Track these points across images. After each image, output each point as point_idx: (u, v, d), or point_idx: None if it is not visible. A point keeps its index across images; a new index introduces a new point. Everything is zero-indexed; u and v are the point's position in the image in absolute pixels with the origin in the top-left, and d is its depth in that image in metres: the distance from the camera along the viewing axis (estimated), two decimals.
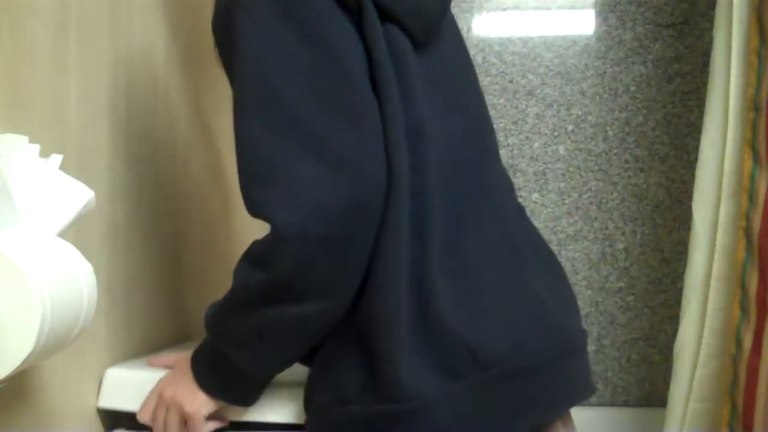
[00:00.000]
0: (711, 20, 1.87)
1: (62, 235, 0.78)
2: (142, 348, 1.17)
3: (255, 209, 0.86)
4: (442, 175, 0.91)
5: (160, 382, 0.99)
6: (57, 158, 0.80)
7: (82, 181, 0.81)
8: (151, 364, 1.06)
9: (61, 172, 0.80)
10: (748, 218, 1.62)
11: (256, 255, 0.87)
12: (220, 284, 1.51)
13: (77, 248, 0.79)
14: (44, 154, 0.79)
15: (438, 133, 0.93)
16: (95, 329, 1.01)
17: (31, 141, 0.77)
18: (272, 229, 0.84)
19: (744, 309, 1.62)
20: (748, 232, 1.61)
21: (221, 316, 0.93)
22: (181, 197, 1.33)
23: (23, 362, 0.70)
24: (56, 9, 0.92)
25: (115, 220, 1.09)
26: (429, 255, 0.88)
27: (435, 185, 0.90)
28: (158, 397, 0.98)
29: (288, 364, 0.95)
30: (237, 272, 0.90)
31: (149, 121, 1.20)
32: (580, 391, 0.98)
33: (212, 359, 0.94)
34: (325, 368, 0.91)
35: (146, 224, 1.19)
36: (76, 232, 0.85)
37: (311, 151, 0.83)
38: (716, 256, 1.66)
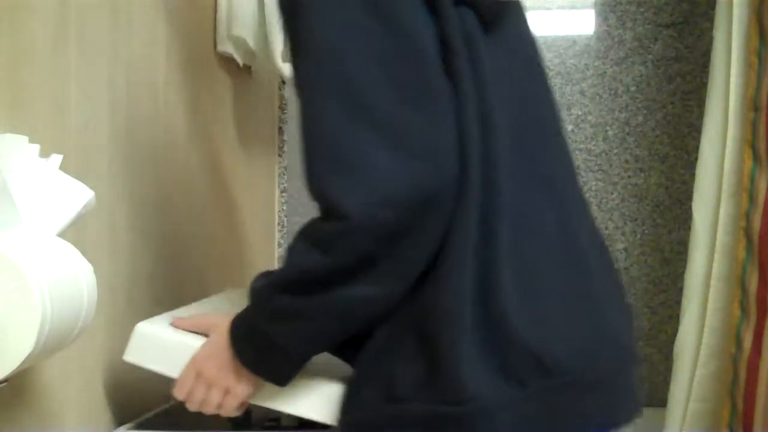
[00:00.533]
0: (711, 20, 1.87)
1: (62, 235, 0.78)
2: None
3: (320, 193, 0.82)
4: (509, 166, 0.88)
5: (197, 358, 0.95)
6: (57, 158, 0.80)
7: (82, 181, 0.81)
8: (176, 326, 1.00)
9: (61, 172, 0.80)
10: (748, 218, 1.62)
11: (317, 237, 0.83)
12: (220, 283, 1.51)
13: (77, 248, 0.79)
14: (44, 154, 0.79)
15: (504, 122, 0.89)
16: (95, 329, 1.01)
17: (31, 141, 0.77)
18: (340, 215, 0.80)
19: (744, 309, 1.62)
20: (748, 232, 1.61)
21: (269, 293, 0.88)
22: (181, 197, 1.33)
23: (23, 362, 0.70)
24: (56, 9, 0.92)
25: (115, 220, 1.09)
26: (495, 251, 0.85)
27: (503, 178, 0.87)
28: (197, 374, 0.94)
29: (328, 346, 0.92)
30: (294, 252, 0.85)
31: (149, 121, 1.20)
32: (634, 408, 0.94)
33: (254, 335, 0.90)
34: (376, 362, 0.88)
35: (146, 224, 1.19)
36: (76, 232, 0.85)
37: (386, 138, 0.80)
38: (716, 256, 1.66)
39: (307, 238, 0.84)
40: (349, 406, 0.90)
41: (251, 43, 1.52)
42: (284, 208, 1.92)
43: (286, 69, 1.52)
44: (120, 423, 1.08)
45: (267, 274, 0.91)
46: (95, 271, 0.81)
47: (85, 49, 0.99)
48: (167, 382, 1.27)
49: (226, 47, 1.50)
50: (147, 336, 0.99)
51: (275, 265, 1.90)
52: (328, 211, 0.81)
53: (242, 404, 0.95)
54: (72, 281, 0.75)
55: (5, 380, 0.73)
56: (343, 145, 0.81)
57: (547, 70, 1.02)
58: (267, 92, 1.86)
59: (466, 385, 0.81)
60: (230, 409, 0.94)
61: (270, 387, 0.94)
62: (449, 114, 0.82)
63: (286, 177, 1.94)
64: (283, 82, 1.87)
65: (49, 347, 0.73)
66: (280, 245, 1.91)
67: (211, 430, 1.30)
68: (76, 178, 0.81)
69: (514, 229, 0.87)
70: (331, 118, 0.81)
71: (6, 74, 0.82)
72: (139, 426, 1.08)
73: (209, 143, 1.47)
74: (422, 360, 0.84)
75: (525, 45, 0.99)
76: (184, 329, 0.99)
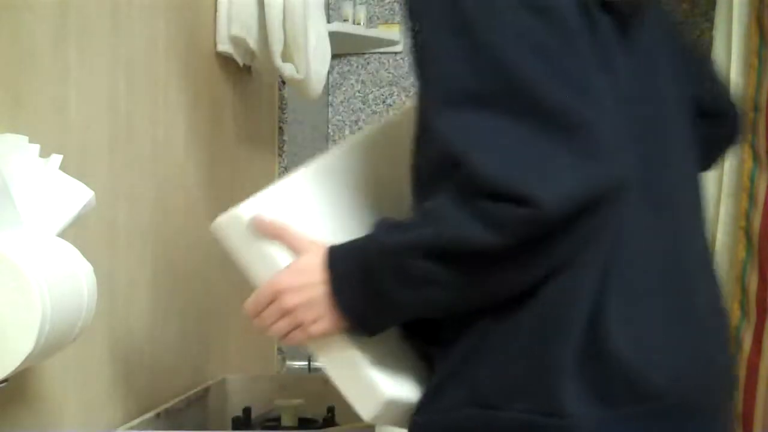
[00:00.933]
0: (711, 20, 1.87)
1: (62, 235, 0.78)
2: (143, 347, 1.17)
3: (503, 175, 0.76)
4: (637, 179, 0.83)
5: (280, 283, 0.88)
6: (57, 158, 0.80)
7: (82, 181, 0.81)
8: (259, 225, 0.91)
9: (61, 172, 0.80)
10: (747, 218, 1.62)
11: (490, 213, 0.77)
12: (221, 283, 1.51)
13: (77, 248, 0.79)
14: (44, 154, 0.79)
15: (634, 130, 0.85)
16: (95, 329, 1.01)
17: (31, 141, 0.77)
18: (526, 202, 0.75)
19: (744, 309, 1.63)
20: (748, 232, 1.61)
21: (406, 252, 0.81)
22: (180, 197, 1.33)
23: (23, 362, 0.70)
24: (56, 9, 0.92)
25: (115, 220, 1.09)
26: (614, 263, 0.82)
27: (632, 190, 0.82)
28: (275, 298, 0.88)
29: (426, 315, 0.86)
30: (448, 219, 0.79)
31: (149, 121, 1.20)
32: None
33: (368, 287, 0.84)
34: (463, 364, 0.84)
35: (146, 224, 1.19)
36: (76, 232, 0.85)
37: (562, 136, 0.77)
38: (716, 255, 1.66)
39: (470, 208, 0.78)
40: (428, 406, 0.86)
41: (251, 43, 1.52)
42: None
43: (286, 69, 1.52)
44: (120, 423, 1.08)
45: (401, 228, 0.83)
46: (95, 271, 0.81)
47: (85, 49, 0.99)
48: (167, 381, 1.27)
49: (226, 47, 1.50)
50: (239, 223, 0.92)
51: None
52: (511, 195, 0.76)
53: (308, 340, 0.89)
54: (72, 281, 0.75)
55: (5, 380, 0.73)
56: (516, 148, 0.77)
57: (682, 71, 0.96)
58: (267, 92, 1.86)
59: (564, 399, 0.79)
60: (294, 341, 0.89)
61: (337, 346, 0.88)
62: (612, 111, 0.80)
63: None
64: (283, 82, 1.87)
65: (49, 347, 0.73)
66: None
67: (211, 430, 1.30)
68: (76, 178, 0.81)
69: (626, 246, 0.84)
70: (501, 123, 0.78)
71: (6, 74, 0.82)
72: (139, 426, 1.08)
73: (209, 143, 1.47)
74: (520, 367, 0.81)
75: (660, 45, 0.94)
76: (268, 231, 0.91)
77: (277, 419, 1.27)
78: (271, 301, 0.89)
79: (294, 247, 0.89)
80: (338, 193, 0.95)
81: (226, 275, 1.55)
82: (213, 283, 1.47)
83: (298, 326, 0.87)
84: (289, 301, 0.87)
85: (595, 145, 0.77)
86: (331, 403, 1.32)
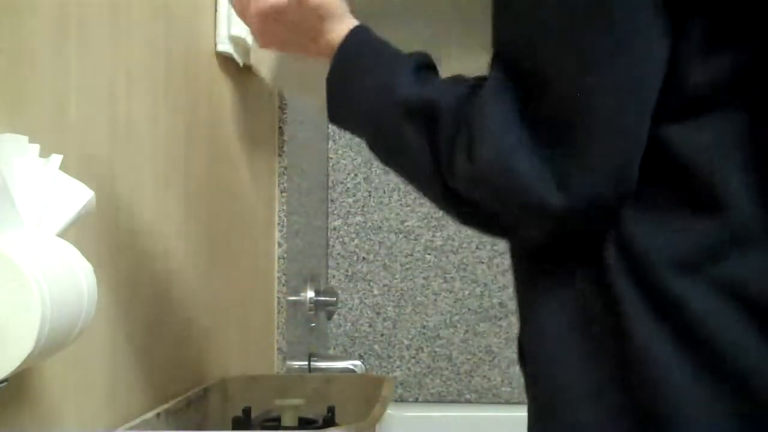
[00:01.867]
0: None
1: (62, 235, 0.78)
2: (143, 348, 1.17)
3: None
4: None
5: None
6: (57, 158, 0.80)
7: (82, 181, 0.81)
8: None
9: (61, 172, 0.80)
10: None
11: (560, 172, 0.68)
12: (220, 283, 1.51)
13: (77, 248, 0.79)
14: (44, 154, 0.79)
15: None
16: (95, 329, 1.01)
17: (31, 141, 0.77)
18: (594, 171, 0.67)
19: None
20: None
21: (409, 105, 0.75)
22: (180, 197, 1.33)
23: (23, 362, 0.70)
24: (56, 9, 0.92)
25: (115, 220, 1.09)
26: None
27: None
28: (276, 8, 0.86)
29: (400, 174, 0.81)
30: (511, 148, 0.68)
31: (149, 121, 1.20)
32: None
33: (354, 92, 0.81)
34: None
35: (146, 223, 1.19)
36: (76, 232, 0.85)
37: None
38: None
39: (540, 151, 0.69)
40: None
41: (251, 43, 1.52)
42: (284, 208, 1.92)
43: None
44: (120, 423, 1.08)
45: (428, 86, 0.76)
46: (95, 271, 0.81)
47: (85, 49, 0.99)
48: (167, 381, 1.27)
49: (226, 47, 1.50)
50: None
51: (275, 265, 1.91)
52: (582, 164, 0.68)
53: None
54: (72, 281, 0.75)
55: (5, 380, 0.73)
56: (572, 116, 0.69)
57: None
58: (267, 92, 1.86)
59: None
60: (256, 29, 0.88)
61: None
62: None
63: (286, 177, 1.94)
64: None
65: (49, 347, 0.73)
66: (280, 245, 1.91)
67: (211, 430, 1.30)
68: (76, 178, 0.81)
69: None
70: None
71: (6, 74, 0.82)
72: (139, 426, 1.08)
73: (209, 143, 1.47)
74: None
75: None
76: None
77: (277, 419, 1.27)
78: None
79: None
80: None
81: (226, 275, 1.55)
82: (213, 282, 1.48)
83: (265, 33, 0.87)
84: (288, 18, 0.86)
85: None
86: (331, 403, 1.32)
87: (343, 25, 0.86)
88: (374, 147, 0.83)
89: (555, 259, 0.75)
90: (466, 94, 0.74)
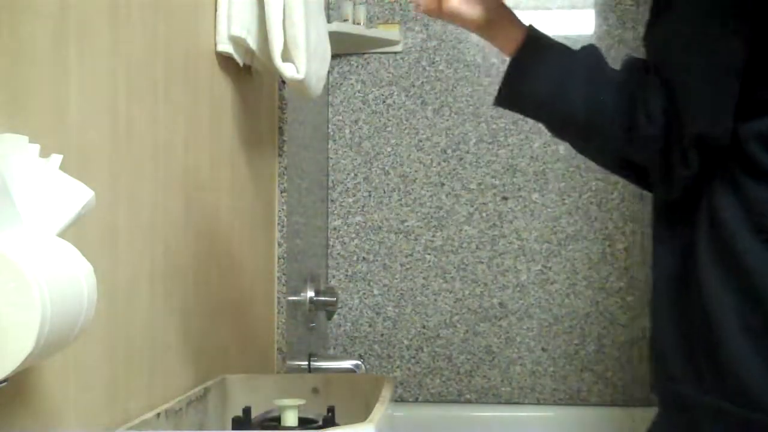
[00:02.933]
0: None
1: (62, 235, 0.78)
2: (143, 348, 1.17)
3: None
4: None
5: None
6: (57, 158, 0.80)
7: (82, 181, 0.81)
8: None
9: (61, 172, 0.80)
10: None
11: (648, 111, 0.97)
12: (220, 284, 1.51)
13: (77, 248, 0.79)
14: (44, 154, 0.79)
15: None
16: (95, 329, 1.01)
17: (31, 141, 0.77)
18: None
19: None
20: None
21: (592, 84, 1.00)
22: (180, 197, 1.33)
23: (23, 362, 0.70)
24: (56, 9, 0.92)
25: (115, 220, 1.09)
26: None
27: None
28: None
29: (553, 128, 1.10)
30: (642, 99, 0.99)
31: (149, 121, 1.20)
32: None
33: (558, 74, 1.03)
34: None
35: (146, 224, 1.19)
36: (76, 232, 0.85)
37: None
38: None
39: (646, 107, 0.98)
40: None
41: (251, 43, 1.52)
42: (284, 208, 1.92)
43: (286, 69, 1.52)
44: (120, 423, 1.08)
45: (608, 73, 1.03)
46: (95, 271, 0.81)
47: (85, 49, 0.99)
48: (167, 381, 1.27)
49: (226, 47, 1.50)
50: None
51: (275, 265, 1.91)
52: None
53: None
54: (72, 281, 0.75)
55: (5, 380, 0.73)
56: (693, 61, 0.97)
57: None
58: (267, 92, 1.86)
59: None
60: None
61: None
62: None
63: (286, 177, 1.94)
64: (283, 82, 1.87)
65: (49, 347, 0.73)
66: (280, 245, 1.91)
67: (211, 430, 1.30)
68: (76, 178, 0.81)
69: None
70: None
71: (6, 74, 0.82)
72: (139, 426, 1.08)
73: (209, 143, 1.47)
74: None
75: None
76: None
77: (277, 419, 1.27)
78: None
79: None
80: None
81: (226, 275, 1.55)
82: (213, 283, 1.48)
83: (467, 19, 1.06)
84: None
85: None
86: (331, 403, 1.32)
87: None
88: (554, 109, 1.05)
89: (669, 220, 1.03)
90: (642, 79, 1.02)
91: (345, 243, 2.63)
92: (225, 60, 1.54)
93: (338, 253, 2.63)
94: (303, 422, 1.27)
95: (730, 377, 0.89)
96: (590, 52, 1.05)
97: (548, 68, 1.03)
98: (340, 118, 2.62)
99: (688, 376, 0.95)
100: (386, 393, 1.23)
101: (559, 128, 1.08)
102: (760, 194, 0.92)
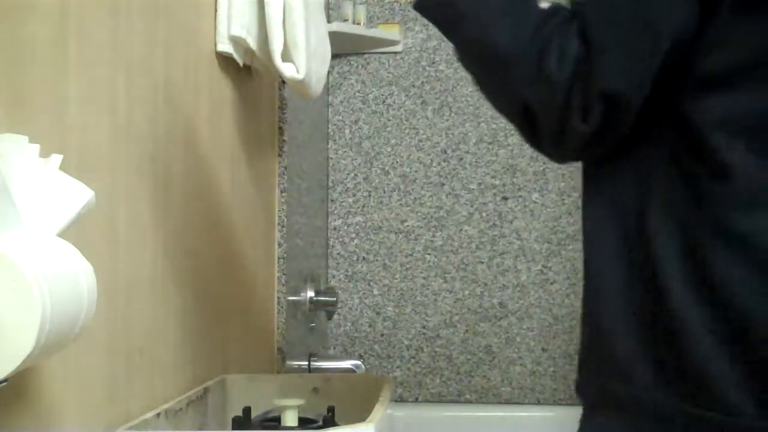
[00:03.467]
0: None
1: (62, 235, 0.78)
2: (143, 348, 1.17)
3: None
4: None
5: None
6: (57, 158, 0.80)
7: (82, 181, 0.81)
8: None
9: (61, 172, 0.80)
10: None
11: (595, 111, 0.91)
12: (220, 283, 1.51)
13: (77, 248, 0.79)
14: (44, 154, 0.79)
15: None
16: (95, 329, 1.01)
17: (31, 141, 0.77)
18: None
19: None
20: None
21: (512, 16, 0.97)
22: (180, 197, 1.33)
23: (23, 362, 0.70)
24: (56, 9, 0.92)
25: (115, 220, 1.09)
26: None
27: None
28: None
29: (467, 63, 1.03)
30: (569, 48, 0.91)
31: (149, 120, 1.20)
32: None
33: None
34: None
35: (146, 224, 1.19)
36: (76, 232, 0.85)
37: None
38: None
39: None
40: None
41: (251, 43, 1.52)
42: (284, 208, 1.92)
43: (286, 69, 1.52)
44: (120, 423, 1.08)
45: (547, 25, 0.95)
46: (95, 271, 0.81)
47: (85, 49, 0.99)
48: (167, 381, 1.27)
49: (226, 47, 1.50)
50: None
51: (275, 265, 1.91)
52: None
53: None
54: (72, 281, 0.75)
55: (5, 380, 0.73)
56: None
57: None
58: (267, 92, 1.87)
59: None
60: None
61: None
62: None
63: (286, 177, 1.94)
64: (283, 82, 1.87)
65: (49, 347, 0.73)
66: (280, 245, 1.91)
67: (211, 430, 1.30)
68: (76, 178, 0.81)
69: None
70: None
71: (6, 74, 0.82)
72: (139, 426, 1.08)
73: (209, 143, 1.47)
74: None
75: None
76: None
77: (277, 419, 1.27)
78: None
79: None
80: None
81: (226, 275, 1.55)
82: (213, 283, 1.48)
83: None
84: None
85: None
86: (331, 403, 1.32)
87: None
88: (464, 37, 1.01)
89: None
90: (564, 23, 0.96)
91: (345, 243, 2.63)
92: (225, 60, 1.54)
93: (338, 253, 2.63)
94: (303, 422, 1.27)
95: (697, 379, 0.85)
96: None
97: None
98: (340, 118, 2.62)
99: (652, 379, 0.88)
100: (386, 393, 1.23)
101: (468, 52, 1.02)
102: (721, 196, 0.86)
